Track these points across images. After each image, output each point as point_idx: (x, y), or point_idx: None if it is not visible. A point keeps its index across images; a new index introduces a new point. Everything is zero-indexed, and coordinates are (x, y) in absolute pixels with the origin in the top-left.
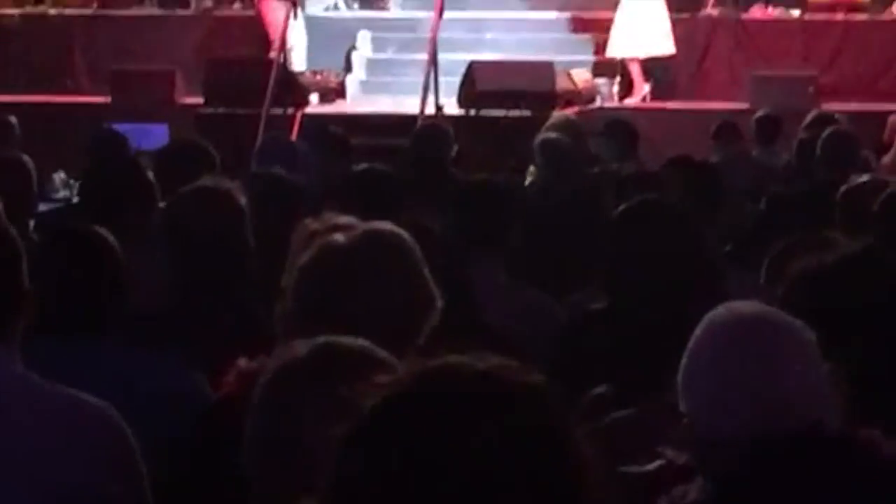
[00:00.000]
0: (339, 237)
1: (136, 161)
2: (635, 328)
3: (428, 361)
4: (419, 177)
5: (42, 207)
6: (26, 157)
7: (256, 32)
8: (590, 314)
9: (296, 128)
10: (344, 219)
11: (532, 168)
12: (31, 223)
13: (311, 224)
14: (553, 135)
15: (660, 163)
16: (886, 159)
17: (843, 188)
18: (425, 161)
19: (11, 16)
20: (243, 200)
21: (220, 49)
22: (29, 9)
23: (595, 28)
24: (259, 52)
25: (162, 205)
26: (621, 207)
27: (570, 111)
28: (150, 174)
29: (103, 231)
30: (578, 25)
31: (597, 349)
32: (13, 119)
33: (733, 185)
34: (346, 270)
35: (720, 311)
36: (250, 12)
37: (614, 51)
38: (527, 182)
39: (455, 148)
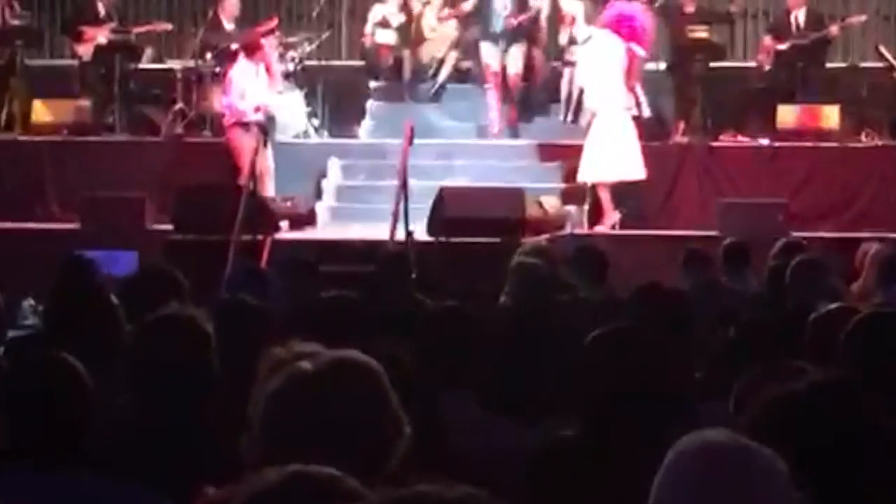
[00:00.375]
0: (306, 365)
1: (100, 286)
2: (607, 456)
3: (397, 490)
4: (383, 304)
5: (11, 334)
6: None
7: (226, 159)
8: (560, 442)
9: (266, 254)
10: (310, 346)
11: (504, 293)
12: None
13: (278, 352)
14: (528, 259)
15: (629, 290)
16: (856, 287)
17: (811, 317)
18: (388, 288)
19: None
20: (209, 327)
21: (190, 175)
22: None
23: (564, 155)
24: (229, 178)
25: (128, 331)
26: (592, 335)
27: (539, 238)
28: (115, 299)
29: (70, 358)
30: (547, 153)
31: (567, 478)
32: None
33: (703, 313)
34: (314, 398)
35: (690, 439)
36: (220, 139)
37: (585, 175)
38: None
39: (413, 274)
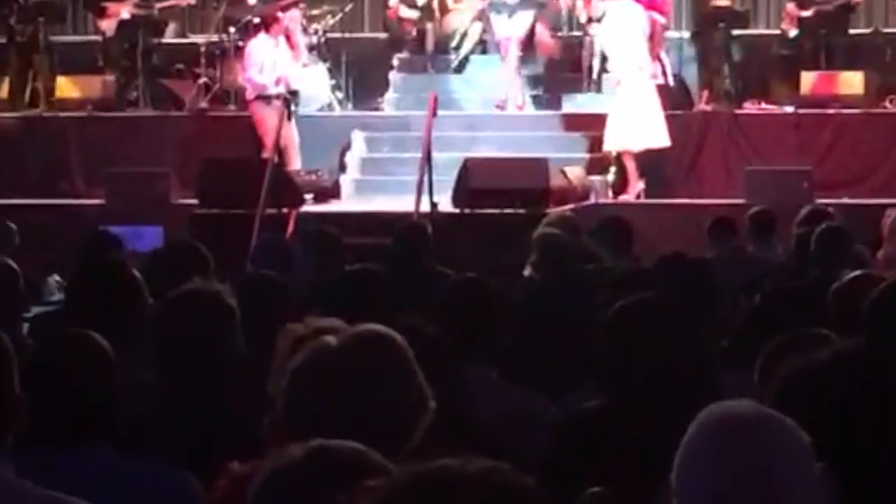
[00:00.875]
0: (330, 339)
1: (122, 262)
2: (631, 428)
3: (420, 465)
4: (405, 276)
5: (37, 310)
6: (9, 261)
7: (250, 133)
8: (584, 413)
9: (291, 228)
10: (327, 321)
11: (529, 265)
12: (25, 327)
13: (296, 328)
14: (550, 230)
15: (655, 259)
16: (881, 254)
17: (834, 285)
18: (406, 259)
19: (6, 119)
20: (234, 302)
21: (215, 150)
22: (23, 112)
23: (588, 125)
24: (253, 152)
25: (152, 306)
26: (616, 306)
27: (564, 208)
28: (138, 274)
29: (95, 335)
30: (571, 123)
31: (591, 449)
32: (12, 225)
33: (729, 281)
34: (339, 373)
35: (712, 410)
36: (244, 113)
37: (610, 144)
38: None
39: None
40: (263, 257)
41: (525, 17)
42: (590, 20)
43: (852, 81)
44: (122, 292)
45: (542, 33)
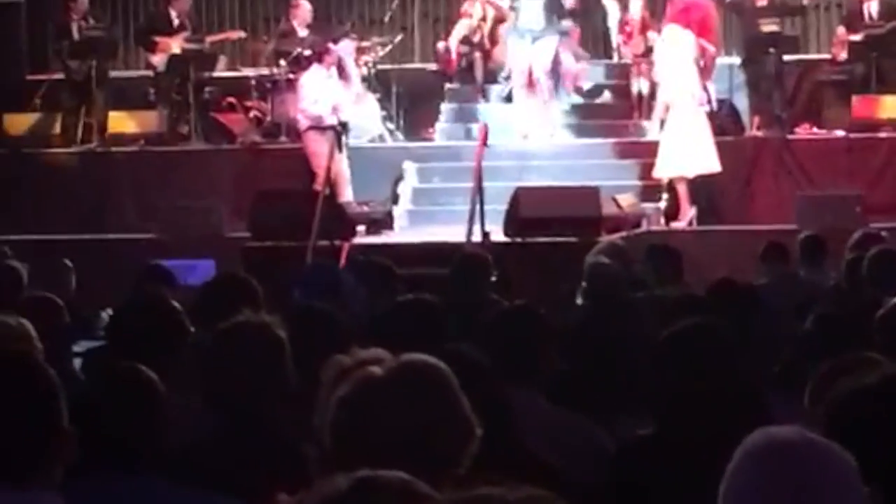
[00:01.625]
0: (375, 370)
1: (162, 295)
2: (683, 455)
3: (463, 494)
4: (459, 305)
5: (89, 345)
6: (53, 296)
7: (302, 165)
8: (637, 441)
9: (343, 259)
10: (372, 352)
11: (579, 293)
12: (78, 362)
13: (341, 359)
14: (599, 259)
15: (706, 286)
16: None
17: (881, 310)
18: (465, 290)
19: (60, 155)
20: (283, 334)
21: (266, 182)
22: (76, 148)
23: (640, 152)
24: (305, 184)
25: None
26: (665, 333)
27: (616, 236)
28: (178, 306)
29: (144, 369)
30: (623, 150)
31: (646, 477)
32: (69, 263)
33: (781, 306)
34: (383, 403)
35: (758, 436)
36: (295, 145)
37: (661, 171)
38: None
39: (494, 275)
40: (310, 285)
41: (549, 44)
42: (648, 51)
43: None
44: (163, 325)
45: (568, 60)
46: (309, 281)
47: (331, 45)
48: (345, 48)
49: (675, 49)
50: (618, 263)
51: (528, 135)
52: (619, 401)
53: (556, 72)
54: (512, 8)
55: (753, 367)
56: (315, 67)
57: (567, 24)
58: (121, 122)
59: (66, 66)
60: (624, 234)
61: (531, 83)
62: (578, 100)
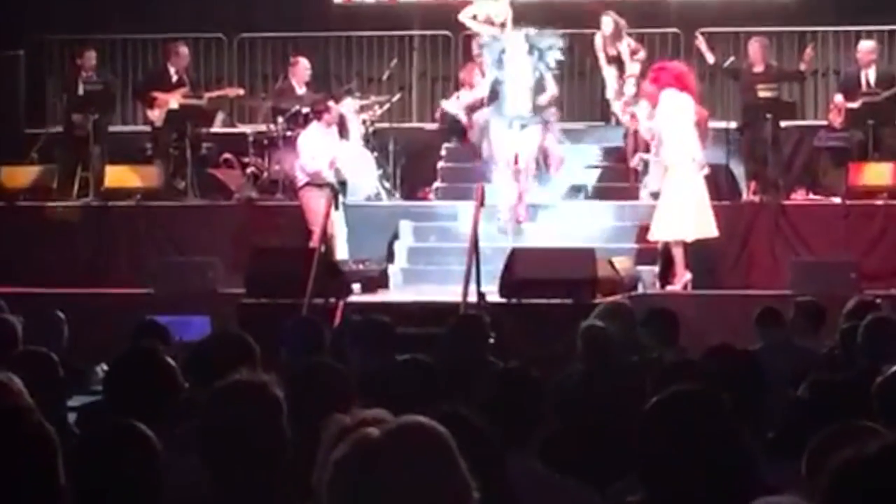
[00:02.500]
0: (373, 431)
1: (154, 351)
2: None
3: None
4: (456, 366)
5: (83, 399)
6: (47, 350)
7: (298, 222)
8: None
9: (338, 318)
10: (373, 412)
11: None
12: (72, 417)
13: (341, 419)
14: (594, 322)
15: (703, 350)
16: None
17: (879, 378)
18: (462, 351)
19: (57, 208)
20: (280, 393)
21: (263, 239)
22: (73, 201)
23: (636, 215)
24: (301, 241)
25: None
26: (654, 399)
27: (611, 299)
28: (171, 362)
29: (141, 426)
30: (619, 212)
31: None
32: (61, 314)
33: (776, 372)
34: (382, 465)
35: None
36: (292, 202)
37: (657, 234)
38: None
39: (492, 337)
40: (294, 342)
41: (535, 132)
42: (634, 115)
43: None
44: (156, 381)
45: (552, 145)
46: (293, 338)
47: (331, 104)
48: (347, 106)
49: (676, 113)
50: (621, 325)
51: (508, 231)
52: (613, 465)
53: (541, 157)
54: (494, 92)
55: (748, 434)
56: (314, 125)
57: (551, 111)
58: (118, 176)
59: (68, 120)
60: (619, 297)
61: (517, 171)
62: (563, 181)
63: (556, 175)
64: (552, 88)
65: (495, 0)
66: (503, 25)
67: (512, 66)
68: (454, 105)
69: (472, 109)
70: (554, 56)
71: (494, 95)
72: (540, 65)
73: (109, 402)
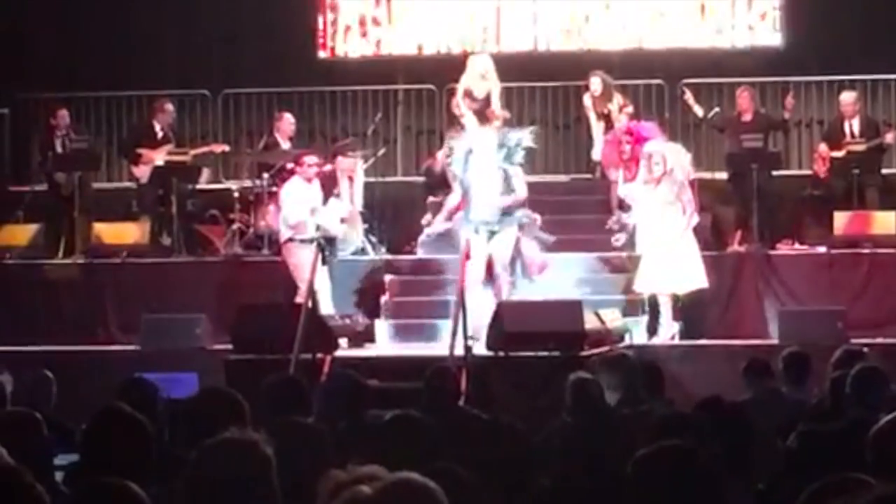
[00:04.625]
0: (365, 489)
1: (125, 410)
2: None
3: None
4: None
5: (71, 458)
6: (31, 411)
7: (284, 278)
8: None
9: (326, 373)
10: (367, 469)
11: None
12: (59, 475)
13: (337, 475)
14: (582, 375)
15: (690, 401)
16: None
17: (872, 429)
18: (436, 403)
19: (43, 266)
20: (270, 451)
21: (249, 295)
22: (60, 259)
23: (623, 267)
24: (287, 297)
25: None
26: (638, 454)
27: (598, 351)
28: (143, 418)
29: (131, 485)
30: (606, 264)
31: None
32: (50, 374)
33: (764, 423)
34: None
35: None
36: (278, 258)
37: (643, 286)
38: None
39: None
40: (275, 398)
41: (508, 237)
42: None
43: (885, 221)
44: (129, 439)
45: (530, 250)
46: (271, 393)
47: (307, 158)
48: (349, 163)
49: (675, 161)
50: (622, 377)
51: (478, 339)
52: None
53: (519, 265)
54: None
55: (737, 486)
56: (295, 178)
57: (524, 214)
58: (104, 233)
59: (50, 179)
60: (607, 348)
61: (491, 278)
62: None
63: (539, 278)
64: (521, 190)
65: (482, 79)
66: (486, 101)
67: (478, 166)
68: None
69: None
70: (521, 154)
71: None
72: (505, 164)
73: (86, 460)
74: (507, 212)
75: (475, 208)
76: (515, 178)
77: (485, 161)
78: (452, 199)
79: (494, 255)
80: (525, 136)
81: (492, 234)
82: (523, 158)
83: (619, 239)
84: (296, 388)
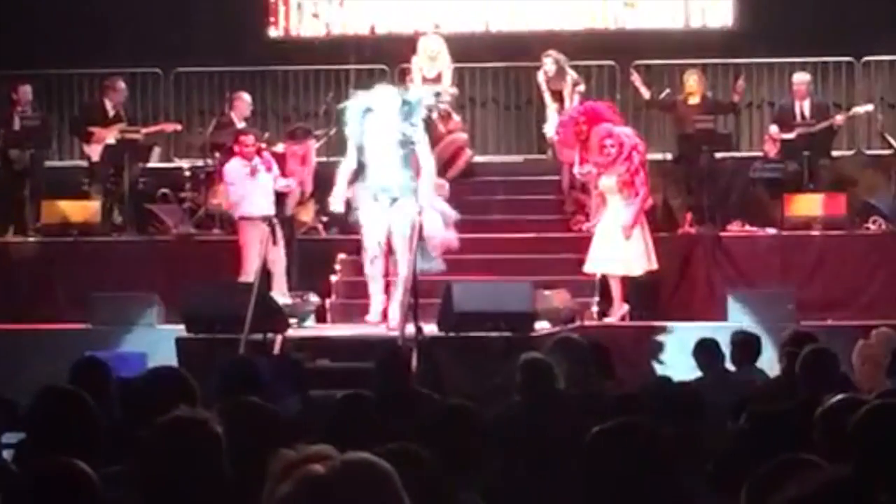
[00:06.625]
0: (317, 468)
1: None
2: None
3: None
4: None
5: (20, 436)
6: None
7: (235, 256)
8: None
9: (277, 352)
10: (318, 448)
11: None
12: (9, 454)
13: (287, 454)
14: (533, 355)
15: (641, 382)
16: (858, 378)
17: (819, 409)
18: (392, 383)
19: None
20: (220, 430)
21: (200, 274)
22: (9, 237)
23: (574, 247)
24: (238, 276)
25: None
26: (593, 431)
27: (549, 331)
28: (88, 398)
29: (81, 464)
30: (557, 245)
31: None
32: None
33: (714, 404)
34: (327, 502)
35: None
36: (230, 237)
37: (593, 266)
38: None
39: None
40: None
41: (409, 207)
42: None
43: (836, 203)
44: (72, 417)
45: (433, 225)
46: (224, 373)
47: (244, 138)
48: (292, 150)
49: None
50: (571, 358)
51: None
52: (554, 499)
53: (419, 239)
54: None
55: (686, 466)
56: (235, 159)
57: (432, 183)
58: (55, 211)
59: (5, 155)
60: (557, 329)
61: (389, 255)
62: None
63: (439, 260)
64: (428, 163)
65: (431, 60)
66: (436, 81)
67: (377, 127)
68: None
69: None
70: (422, 113)
71: (361, 166)
72: (406, 125)
73: (31, 439)
74: (410, 178)
75: (373, 173)
76: (419, 146)
77: (384, 121)
78: (346, 165)
79: (393, 225)
80: (426, 95)
81: (393, 200)
82: (424, 126)
83: (579, 222)
84: (248, 368)
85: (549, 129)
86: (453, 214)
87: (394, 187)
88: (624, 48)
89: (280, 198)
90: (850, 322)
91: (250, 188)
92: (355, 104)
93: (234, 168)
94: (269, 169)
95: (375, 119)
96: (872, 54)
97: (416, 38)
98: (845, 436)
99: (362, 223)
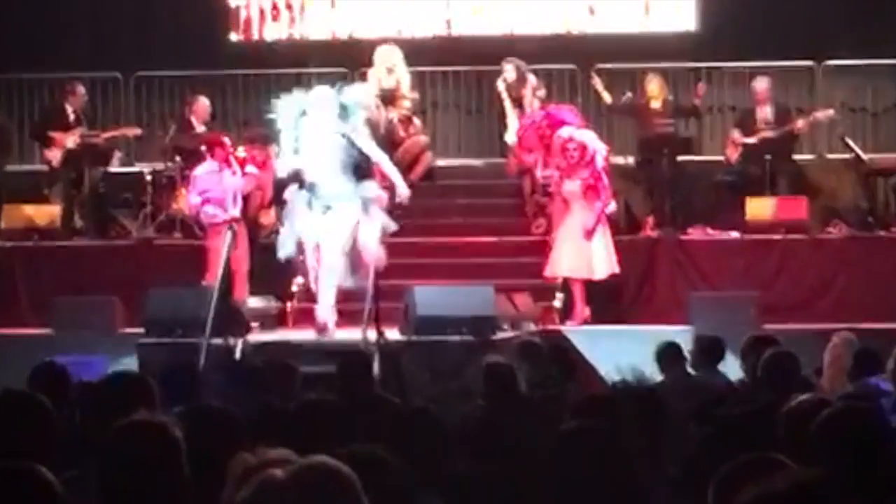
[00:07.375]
0: (277, 472)
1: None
2: None
3: None
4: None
5: None
6: None
7: (196, 261)
8: None
9: (237, 356)
10: (278, 452)
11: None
12: None
13: (247, 458)
14: (495, 359)
15: (602, 385)
16: (824, 380)
17: (783, 409)
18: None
19: None
20: (178, 433)
21: (161, 278)
22: None
23: (535, 251)
24: (199, 280)
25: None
26: (555, 434)
27: (510, 335)
28: (46, 400)
29: (42, 469)
30: (517, 248)
31: None
32: None
33: (677, 407)
34: None
35: None
36: (190, 241)
37: (554, 269)
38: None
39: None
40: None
41: (347, 216)
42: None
43: (797, 207)
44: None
45: (367, 238)
46: (167, 378)
47: (224, 139)
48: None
49: (598, 151)
50: (532, 362)
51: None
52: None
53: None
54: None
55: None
56: (207, 163)
57: (372, 187)
58: (15, 215)
59: None
60: (519, 332)
61: (316, 268)
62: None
63: (366, 281)
64: (378, 154)
65: (389, 72)
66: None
67: (312, 129)
68: None
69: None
70: (360, 114)
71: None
72: (344, 127)
73: None
74: (348, 185)
75: (308, 179)
76: (361, 139)
77: (320, 124)
78: (282, 165)
79: (324, 237)
80: (363, 96)
81: (327, 209)
82: (366, 125)
83: (541, 225)
84: (187, 373)
85: (510, 137)
86: (391, 226)
87: (329, 195)
88: (585, 52)
89: (243, 199)
90: (812, 325)
91: (221, 192)
92: (288, 104)
93: (206, 172)
94: (234, 173)
95: (311, 122)
96: (834, 59)
97: (376, 44)
98: (809, 436)
99: (298, 232)
